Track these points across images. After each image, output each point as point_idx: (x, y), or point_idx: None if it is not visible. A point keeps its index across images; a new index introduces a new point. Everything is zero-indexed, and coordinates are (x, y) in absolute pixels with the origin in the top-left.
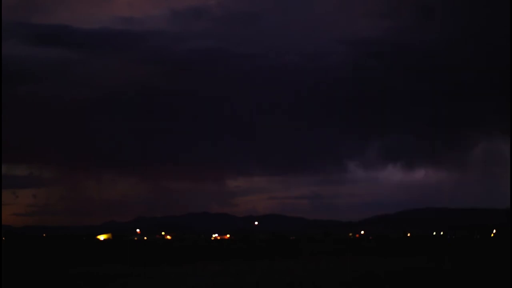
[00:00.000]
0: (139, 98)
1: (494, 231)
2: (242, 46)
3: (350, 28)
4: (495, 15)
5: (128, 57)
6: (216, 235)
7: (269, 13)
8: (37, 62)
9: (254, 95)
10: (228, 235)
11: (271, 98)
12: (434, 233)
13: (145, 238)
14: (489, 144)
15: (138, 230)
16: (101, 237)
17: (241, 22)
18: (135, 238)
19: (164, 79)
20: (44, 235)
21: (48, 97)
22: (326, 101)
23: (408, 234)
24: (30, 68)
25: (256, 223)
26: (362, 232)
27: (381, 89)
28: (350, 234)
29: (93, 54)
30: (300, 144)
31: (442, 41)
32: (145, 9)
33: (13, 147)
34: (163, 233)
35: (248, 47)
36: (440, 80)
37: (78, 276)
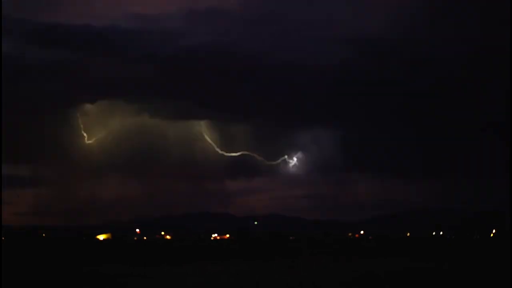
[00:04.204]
0: (140, 97)
1: (494, 231)
2: (244, 45)
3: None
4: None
5: (133, 56)
6: (216, 235)
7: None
8: (39, 60)
9: (254, 94)
10: (227, 235)
11: (271, 98)
12: (434, 233)
13: (145, 238)
14: None
15: (138, 230)
16: (101, 237)
17: (247, 22)
18: (135, 238)
19: (164, 78)
20: (43, 235)
21: (49, 96)
22: (326, 101)
23: (408, 234)
24: (32, 67)
25: (256, 223)
26: (362, 232)
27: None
28: (350, 234)
29: (95, 53)
30: (299, 144)
31: None
32: (161, 6)
33: (14, 147)
34: (163, 233)
35: (250, 46)
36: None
37: (78, 276)
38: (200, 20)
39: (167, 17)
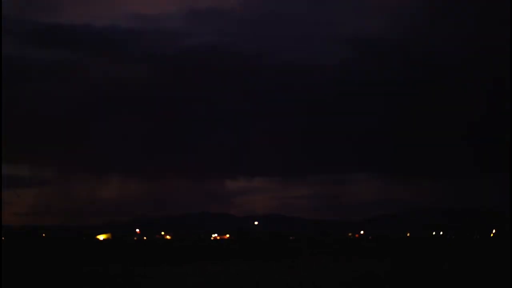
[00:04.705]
0: (139, 97)
1: (494, 231)
2: (244, 45)
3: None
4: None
5: (133, 56)
6: (216, 235)
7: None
8: (39, 61)
9: (254, 95)
10: (227, 235)
11: (270, 98)
12: (434, 233)
13: (145, 238)
14: None
15: (138, 230)
16: (101, 237)
17: (247, 22)
18: (135, 238)
19: (164, 78)
20: (43, 235)
21: (50, 96)
22: (325, 101)
23: (408, 234)
24: (32, 67)
25: (256, 223)
26: (362, 232)
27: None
28: (350, 234)
29: (95, 53)
30: (299, 144)
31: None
32: (161, 6)
33: (14, 147)
34: (163, 233)
35: (250, 46)
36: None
37: (78, 276)
38: (200, 20)
39: (167, 17)
